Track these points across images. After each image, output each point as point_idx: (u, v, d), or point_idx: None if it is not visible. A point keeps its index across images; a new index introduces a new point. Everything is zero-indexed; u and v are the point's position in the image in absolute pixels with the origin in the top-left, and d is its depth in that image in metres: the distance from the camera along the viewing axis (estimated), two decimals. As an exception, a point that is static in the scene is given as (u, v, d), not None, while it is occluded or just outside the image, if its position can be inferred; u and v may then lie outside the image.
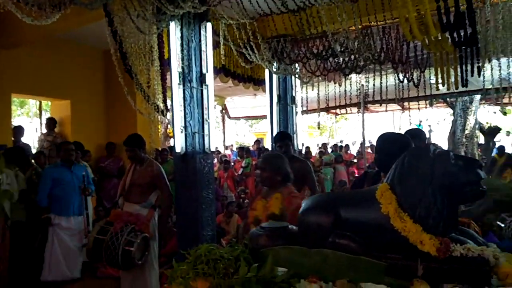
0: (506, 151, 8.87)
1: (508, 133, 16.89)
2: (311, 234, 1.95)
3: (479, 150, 10.59)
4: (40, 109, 8.59)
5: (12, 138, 6.13)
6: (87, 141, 6.38)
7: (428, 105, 10.75)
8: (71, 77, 6.87)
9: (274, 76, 6.20)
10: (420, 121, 14.13)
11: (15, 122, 6.66)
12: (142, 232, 3.88)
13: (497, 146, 10.40)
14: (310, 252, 1.87)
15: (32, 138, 9.36)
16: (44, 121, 7.32)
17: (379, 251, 1.80)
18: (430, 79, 5.66)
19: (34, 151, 6.68)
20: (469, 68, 4.69)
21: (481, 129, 11.30)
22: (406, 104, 10.62)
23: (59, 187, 4.78)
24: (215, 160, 9.06)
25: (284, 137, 4.29)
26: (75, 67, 6.94)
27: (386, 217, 1.76)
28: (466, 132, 10.68)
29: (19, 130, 6.37)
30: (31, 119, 14.74)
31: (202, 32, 4.31)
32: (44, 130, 7.06)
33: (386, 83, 6.62)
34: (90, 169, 6.03)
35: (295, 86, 6.47)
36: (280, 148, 4.13)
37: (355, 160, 11.51)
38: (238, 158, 10.01)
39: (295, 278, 1.78)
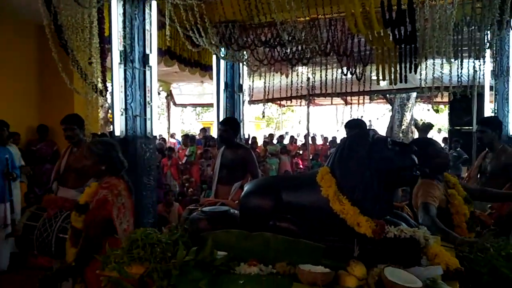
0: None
1: (439, 130, 18.21)
2: (252, 218, 1.93)
3: None
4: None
5: None
6: (16, 122, 5.86)
7: (369, 100, 11.26)
8: (0, 52, 6.27)
9: (222, 63, 6.11)
10: (362, 116, 14.75)
11: None
12: (78, 218, 3.67)
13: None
14: (251, 236, 1.85)
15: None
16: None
17: (318, 234, 1.83)
18: (371, 74, 5.89)
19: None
20: (407, 65, 4.92)
21: (416, 125, 12.05)
22: (349, 98, 11.04)
23: None
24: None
25: (227, 122, 4.23)
26: (4, 41, 6.34)
27: (326, 200, 1.79)
28: (403, 127, 11.34)
29: None
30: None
31: (147, 10, 4.13)
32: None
33: (332, 76, 6.79)
34: (20, 153, 5.57)
35: (243, 74, 6.43)
36: (222, 133, 4.09)
37: (300, 152, 11.77)
38: (182, 146, 9.80)
39: (235, 262, 1.75)
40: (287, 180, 2.13)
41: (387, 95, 11.27)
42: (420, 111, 14.28)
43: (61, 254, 3.60)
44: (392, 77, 5.14)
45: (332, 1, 4.50)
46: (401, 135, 11.25)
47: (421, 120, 12.85)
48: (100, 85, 4.18)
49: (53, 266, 4.01)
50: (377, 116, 15.01)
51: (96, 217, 2.30)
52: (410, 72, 5.00)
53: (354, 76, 5.99)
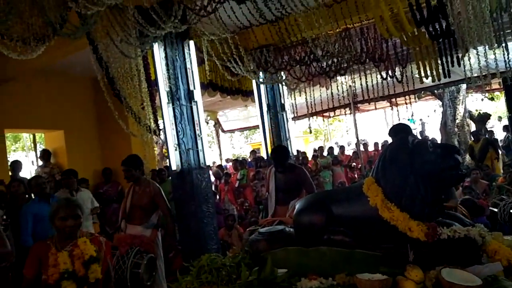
0: (482, 136, 9.06)
1: (500, 118, 17.07)
2: (307, 234, 2.03)
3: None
4: (34, 142, 8.64)
5: (10, 174, 6.17)
6: (83, 169, 6.42)
7: (416, 99, 10.91)
8: (62, 107, 6.95)
9: (262, 86, 6.31)
10: (412, 115, 14.28)
11: (11, 157, 6.69)
12: (147, 253, 3.91)
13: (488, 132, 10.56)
14: (307, 251, 1.94)
15: (29, 171, 9.39)
16: (39, 154, 7.38)
17: (372, 243, 1.88)
18: (412, 73, 5.79)
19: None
20: (449, 59, 4.82)
21: (471, 117, 11.46)
22: (394, 100, 10.79)
23: (40, 223, 4.50)
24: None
25: (275, 151, 4.47)
26: (65, 97, 7.01)
27: (375, 209, 1.85)
28: (457, 121, 10.82)
29: (16, 165, 6.41)
30: (26, 153, 14.75)
31: (186, 50, 4.41)
32: (40, 163, 7.11)
33: (372, 81, 6.76)
34: (91, 196, 6.07)
35: (283, 93, 6.58)
36: (274, 162, 4.32)
37: (353, 164, 11.60)
38: (234, 171, 10.05)
39: (295, 277, 1.85)
40: (336, 194, 2.21)
41: (435, 91, 10.86)
42: (473, 102, 13.54)
43: (136, 287, 3.86)
44: (435, 73, 5.04)
45: (360, 10, 4.55)
46: (456, 129, 10.75)
47: (477, 110, 12.18)
48: (153, 125, 4.50)
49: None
50: (427, 114, 14.44)
51: None
52: (453, 65, 4.89)
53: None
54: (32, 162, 8.86)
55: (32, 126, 6.94)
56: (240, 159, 11.03)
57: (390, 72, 5.94)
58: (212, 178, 7.94)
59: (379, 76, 6.39)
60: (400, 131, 3.14)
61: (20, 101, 6.42)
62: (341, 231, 1.95)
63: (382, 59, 5.21)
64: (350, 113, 8.37)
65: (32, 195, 4.91)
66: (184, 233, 4.38)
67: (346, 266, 1.84)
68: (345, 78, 7.20)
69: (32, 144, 8.85)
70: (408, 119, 12.48)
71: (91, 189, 6.80)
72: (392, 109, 10.92)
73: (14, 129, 6.87)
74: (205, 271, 1.93)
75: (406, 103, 9.65)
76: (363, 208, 1.89)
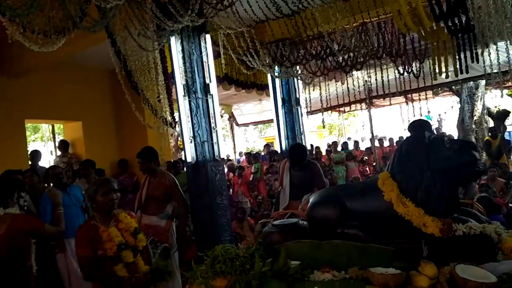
0: (500, 133, 8.85)
1: (520, 115, 16.65)
2: (320, 227, 2.04)
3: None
4: (53, 132, 8.82)
5: (29, 163, 6.33)
6: (100, 159, 6.54)
7: (433, 95, 10.73)
8: (81, 99, 7.08)
9: (277, 80, 6.31)
10: (428, 112, 14.07)
11: (30, 147, 6.86)
12: (162, 242, 3.99)
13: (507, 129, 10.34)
14: (321, 244, 1.96)
15: (48, 161, 9.60)
16: (57, 144, 7.54)
17: (386, 237, 1.89)
18: (430, 69, 5.71)
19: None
20: (468, 54, 4.74)
21: (490, 114, 11.22)
22: (411, 96, 10.65)
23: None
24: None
25: (296, 149, 4.50)
26: (84, 89, 7.14)
27: (389, 204, 1.85)
28: (475, 118, 10.62)
29: (35, 155, 6.57)
30: (45, 143, 15.07)
31: (202, 44, 4.43)
32: (59, 153, 7.27)
33: (388, 76, 6.69)
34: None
35: (298, 88, 6.57)
36: (293, 159, 4.36)
37: (366, 158, 11.51)
38: (247, 164, 10.08)
39: (308, 270, 1.87)
40: (350, 188, 2.22)
41: (453, 87, 10.67)
42: (492, 99, 13.26)
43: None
44: (453, 68, 4.97)
45: (377, 4, 4.50)
46: (473, 126, 10.55)
47: (496, 107, 11.93)
48: (169, 118, 4.56)
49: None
50: (444, 110, 14.21)
51: None
52: (472, 61, 4.80)
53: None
54: (51, 152, 9.05)
55: (51, 117, 7.10)
56: (254, 153, 11.06)
57: (407, 67, 5.88)
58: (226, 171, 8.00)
59: (395, 71, 6.33)
60: (418, 126, 3.12)
61: (40, 92, 6.57)
62: (355, 225, 1.96)
63: (399, 54, 5.15)
64: (366, 108, 8.30)
65: (51, 184, 5.04)
66: (198, 224, 4.44)
67: (360, 260, 1.85)
68: (361, 73, 7.14)
69: (51, 135, 9.03)
70: (425, 116, 12.30)
71: (107, 180, 6.90)
72: (408, 104, 10.78)
73: (34, 119, 7.03)
74: (219, 261, 1.96)
75: (422, 99, 9.50)
76: (378, 202, 1.90)
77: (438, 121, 15.97)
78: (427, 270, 1.62)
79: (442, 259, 1.68)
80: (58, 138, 8.35)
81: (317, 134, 19.41)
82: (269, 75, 6.37)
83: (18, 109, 6.28)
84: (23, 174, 5.39)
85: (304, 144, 6.84)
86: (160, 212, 4.21)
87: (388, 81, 6.56)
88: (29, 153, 6.57)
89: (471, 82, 9.80)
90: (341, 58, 5.49)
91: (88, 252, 2.22)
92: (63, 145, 7.21)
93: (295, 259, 1.95)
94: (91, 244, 2.24)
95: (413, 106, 8.91)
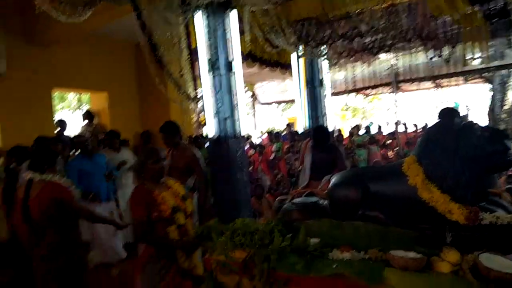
0: None
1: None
2: (341, 208, 2.04)
3: None
4: (79, 102, 9.01)
5: (56, 131, 6.50)
6: (124, 130, 6.63)
7: (463, 81, 10.38)
8: (107, 71, 7.18)
9: (301, 60, 6.22)
10: (457, 100, 13.65)
11: (57, 116, 7.04)
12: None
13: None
14: (342, 224, 1.95)
15: (74, 130, 9.82)
16: (83, 114, 7.70)
17: (408, 222, 1.87)
18: (462, 54, 5.51)
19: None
20: (503, 40, 4.55)
21: (522, 103, 10.82)
22: (439, 81, 10.34)
23: (85, 178, 4.88)
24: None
25: (319, 131, 4.48)
26: (110, 61, 7.24)
27: (414, 189, 1.82)
28: (506, 107, 10.26)
29: (62, 124, 6.74)
30: (73, 111, 15.40)
31: (227, 20, 4.39)
32: (84, 122, 7.43)
33: (417, 60, 6.50)
34: (133, 155, 6.33)
35: (322, 68, 6.47)
36: (316, 140, 4.34)
37: (389, 141, 11.33)
38: (268, 143, 10.07)
39: (327, 248, 1.87)
40: (373, 171, 2.19)
41: (485, 74, 10.28)
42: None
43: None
44: (486, 55, 4.79)
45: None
46: (504, 115, 10.20)
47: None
48: (192, 93, 4.57)
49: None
50: (474, 98, 13.72)
51: None
52: (508, 47, 4.61)
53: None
54: (77, 121, 9.25)
55: (78, 86, 7.24)
56: (275, 132, 11.03)
57: (437, 51, 5.69)
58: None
59: (425, 55, 6.14)
60: (449, 112, 3.04)
61: (68, 62, 6.68)
62: (376, 207, 1.94)
63: (429, 37, 4.98)
64: (391, 92, 8.12)
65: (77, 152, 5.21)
66: (218, 198, 4.51)
67: (380, 242, 1.83)
68: (388, 56, 6.96)
69: (78, 104, 9.22)
70: (455, 103, 11.95)
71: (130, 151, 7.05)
72: (436, 90, 10.48)
73: (61, 88, 7.18)
74: (239, 234, 1.99)
75: (452, 85, 9.21)
76: (401, 187, 1.87)
77: (466, 109, 15.48)
78: (450, 256, 1.60)
79: (466, 247, 1.65)
80: (84, 108, 8.52)
81: (340, 116, 19.18)
82: (293, 55, 6.29)
83: (46, 78, 6.42)
84: (49, 143, 5.60)
85: (325, 124, 6.77)
86: (182, 183, 4.27)
87: (417, 65, 6.38)
88: (55, 122, 6.74)
89: (504, 70, 9.43)
90: (368, 39, 5.36)
91: (143, 215, 2.31)
92: (89, 115, 7.36)
93: (314, 237, 1.96)
94: (146, 207, 2.33)
95: (442, 92, 8.65)
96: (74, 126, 8.93)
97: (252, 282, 1.79)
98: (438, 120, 1.94)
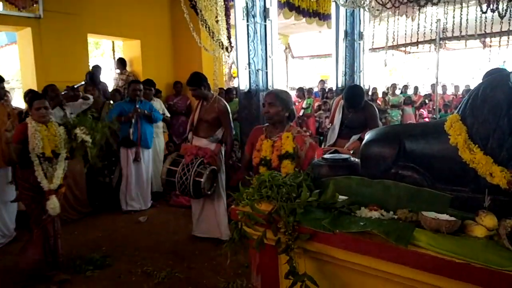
0: None
1: None
2: (373, 165, 1.96)
3: None
4: (113, 49, 9.04)
5: (88, 77, 6.60)
6: (156, 79, 6.69)
7: (515, 41, 9.59)
8: (140, 18, 7.10)
9: (341, 10, 5.89)
10: (504, 61, 12.76)
11: (91, 62, 7.12)
12: (210, 164, 4.13)
13: None
14: (372, 182, 1.89)
15: (107, 77, 10.00)
16: (116, 61, 7.75)
17: (444, 184, 1.77)
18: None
19: (110, 89, 7.17)
20: None
21: None
22: (489, 41, 9.63)
23: (125, 121, 5.20)
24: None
25: (354, 89, 4.27)
26: (143, 7, 7.14)
27: (454, 149, 1.71)
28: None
29: (96, 69, 6.84)
30: (105, 58, 15.64)
31: (266, -35, 4.16)
32: (117, 70, 7.50)
33: (467, 15, 6.01)
34: (163, 106, 6.42)
35: (363, 20, 6.12)
36: (349, 101, 4.16)
37: (427, 101, 10.87)
38: (298, 99, 9.90)
39: (355, 205, 1.83)
40: (412, 128, 2.07)
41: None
42: None
43: (198, 194, 4.14)
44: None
45: None
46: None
47: None
48: (225, 42, 4.46)
49: (191, 205, 4.64)
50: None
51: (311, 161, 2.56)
52: None
53: (496, 13, 5.20)
54: (110, 68, 9.37)
55: (112, 33, 7.23)
56: (307, 88, 10.79)
57: (491, 5, 5.22)
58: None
59: (477, 10, 5.65)
60: (500, 71, 2.81)
61: (103, 7, 6.65)
62: (411, 167, 1.85)
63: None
64: (434, 50, 7.63)
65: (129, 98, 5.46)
66: (246, 151, 4.50)
67: (411, 203, 1.76)
68: (436, 9, 6.46)
69: (112, 51, 9.29)
70: (500, 65, 11.20)
71: (162, 100, 7.14)
72: (483, 49, 9.79)
73: (96, 34, 7.20)
74: (266, 186, 1.97)
75: (501, 45, 8.55)
76: (441, 146, 1.76)
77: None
78: (487, 220, 1.52)
79: (504, 212, 1.56)
80: (117, 55, 8.57)
81: (377, 74, 18.47)
82: (333, 4, 5.95)
83: (82, 22, 6.43)
84: (85, 87, 5.75)
85: (361, 83, 6.52)
86: (210, 135, 4.30)
87: (467, 20, 5.90)
88: (90, 67, 6.84)
89: None
90: (416, -11, 4.97)
91: (248, 152, 2.43)
92: (122, 63, 7.42)
93: (342, 195, 1.91)
94: (251, 146, 2.42)
95: (490, 52, 8.05)
96: (108, 73, 9.06)
97: (276, 235, 1.78)
98: (490, 77, 1.77)
